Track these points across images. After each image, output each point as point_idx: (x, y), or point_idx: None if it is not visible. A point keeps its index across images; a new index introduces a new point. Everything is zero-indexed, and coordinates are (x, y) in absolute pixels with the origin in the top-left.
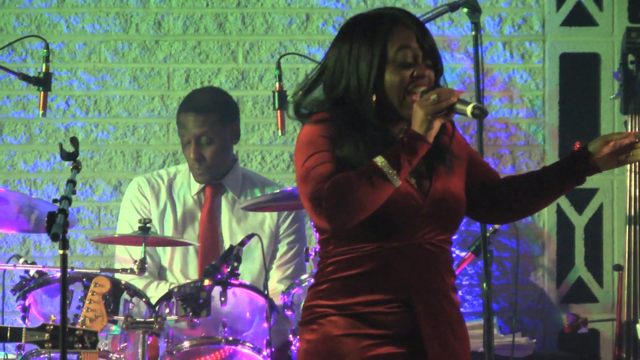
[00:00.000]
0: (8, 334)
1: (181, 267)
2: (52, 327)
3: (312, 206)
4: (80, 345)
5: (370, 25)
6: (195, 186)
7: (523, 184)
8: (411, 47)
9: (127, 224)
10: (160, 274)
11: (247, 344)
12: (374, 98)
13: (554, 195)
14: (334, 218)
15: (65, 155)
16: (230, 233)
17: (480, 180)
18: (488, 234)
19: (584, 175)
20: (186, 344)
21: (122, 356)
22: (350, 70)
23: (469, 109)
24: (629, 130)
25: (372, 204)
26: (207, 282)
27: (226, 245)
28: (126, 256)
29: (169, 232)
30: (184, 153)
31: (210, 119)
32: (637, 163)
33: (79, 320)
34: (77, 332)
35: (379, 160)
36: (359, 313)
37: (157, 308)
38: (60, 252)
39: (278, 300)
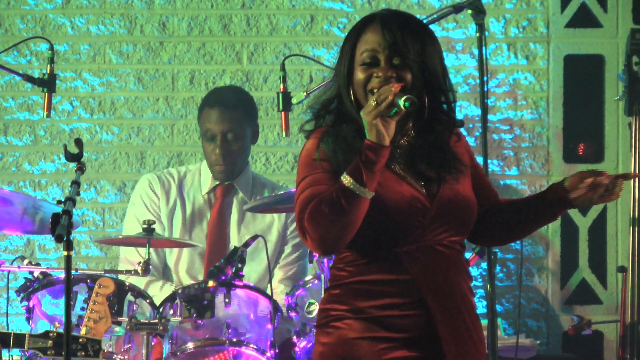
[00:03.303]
0: (11, 341)
1: (187, 266)
2: (55, 334)
3: (300, 234)
4: (83, 353)
5: (352, 30)
6: (206, 185)
7: (505, 214)
8: (373, 49)
9: (136, 220)
10: (165, 271)
11: (251, 345)
12: (352, 96)
13: (531, 228)
14: (321, 247)
15: (70, 157)
16: (238, 234)
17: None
18: None
19: (558, 211)
20: (190, 345)
21: (126, 357)
22: (337, 72)
23: (401, 103)
24: (633, 132)
25: (352, 223)
26: (211, 283)
27: (233, 246)
28: (134, 257)
29: (177, 230)
30: (206, 149)
31: (237, 116)
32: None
33: (83, 322)
34: (81, 340)
35: (344, 178)
36: (374, 316)
37: (161, 309)
38: (65, 253)
39: (280, 299)
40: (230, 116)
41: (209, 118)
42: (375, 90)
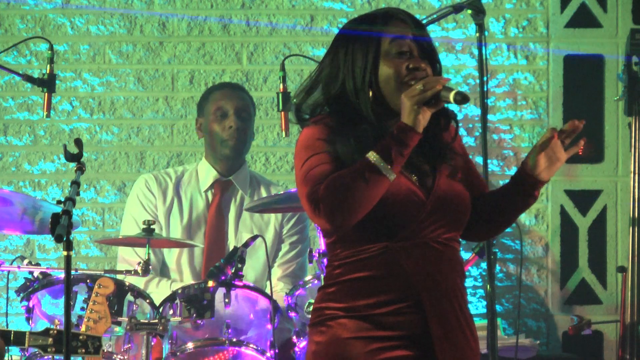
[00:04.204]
0: (12, 338)
1: (187, 264)
2: (55, 331)
3: (310, 208)
4: (83, 350)
5: (366, 23)
6: (205, 183)
7: (485, 206)
8: (405, 39)
9: (133, 220)
10: (163, 271)
11: (251, 345)
12: (370, 93)
13: (514, 215)
14: (332, 218)
15: (70, 157)
16: (235, 232)
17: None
18: None
19: (534, 192)
20: (190, 345)
21: (125, 357)
22: (346, 67)
23: (451, 96)
24: (633, 132)
25: (369, 200)
26: (211, 283)
27: (231, 244)
28: (132, 257)
29: (175, 229)
30: (215, 128)
31: (246, 98)
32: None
33: (83, 322)
34: (81, 337)
35: (371, 155)
36: (368, 315)
37: (161, 309)
38: (64, 253)
39: (280, 299)
40: (242, 96)
41: (219, 97)
42: (412, 83)
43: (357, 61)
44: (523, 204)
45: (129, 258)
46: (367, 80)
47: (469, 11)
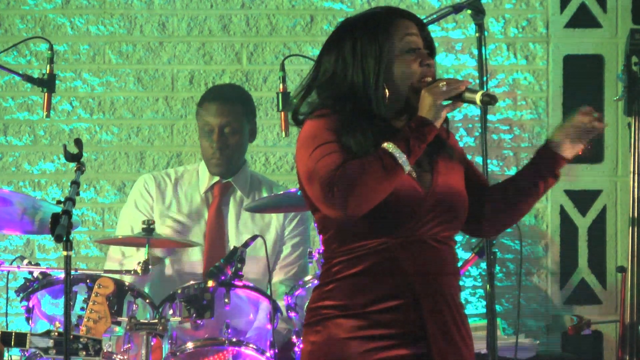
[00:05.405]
0: (12, 340)
1: (187, 265)
2: (56, 333)
3: (323, 193)
4: (84, 353)
5: (371, 21)
6: (204, 184)
7: (503, 193)
8: (414, 34)
9: (126, 219)
10: (163, 269)
11: (251, 345)
12: (387, 92)
13: (535, 197)
14: (346, 204)
15: (69, 157)
16: (236, 233)
17: (469, 188)
18: None
19: (555, 169)
20: (190, 345)
21: (125, 357)
22: (355, 67)
23: (477, 97)
24: (632, 132)
25: (384, 189)
26: (210, 283)
27: (232, 245)
28: (118, 254)
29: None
30: (203, 144)
31: (235, 110)
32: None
33: (83, 322)
34: (82, 340)
35: (389, 145)
36: (364, 313)
37: (161, 309)
38: (64, 253)
39: (280, 301)
40: (229, 110)
41: (207, 112)
42: (428, 79)
43: (369, 58)
44: (544, 183)
45: (115, 256)
46: (382, 76)
47: (469, 11)
